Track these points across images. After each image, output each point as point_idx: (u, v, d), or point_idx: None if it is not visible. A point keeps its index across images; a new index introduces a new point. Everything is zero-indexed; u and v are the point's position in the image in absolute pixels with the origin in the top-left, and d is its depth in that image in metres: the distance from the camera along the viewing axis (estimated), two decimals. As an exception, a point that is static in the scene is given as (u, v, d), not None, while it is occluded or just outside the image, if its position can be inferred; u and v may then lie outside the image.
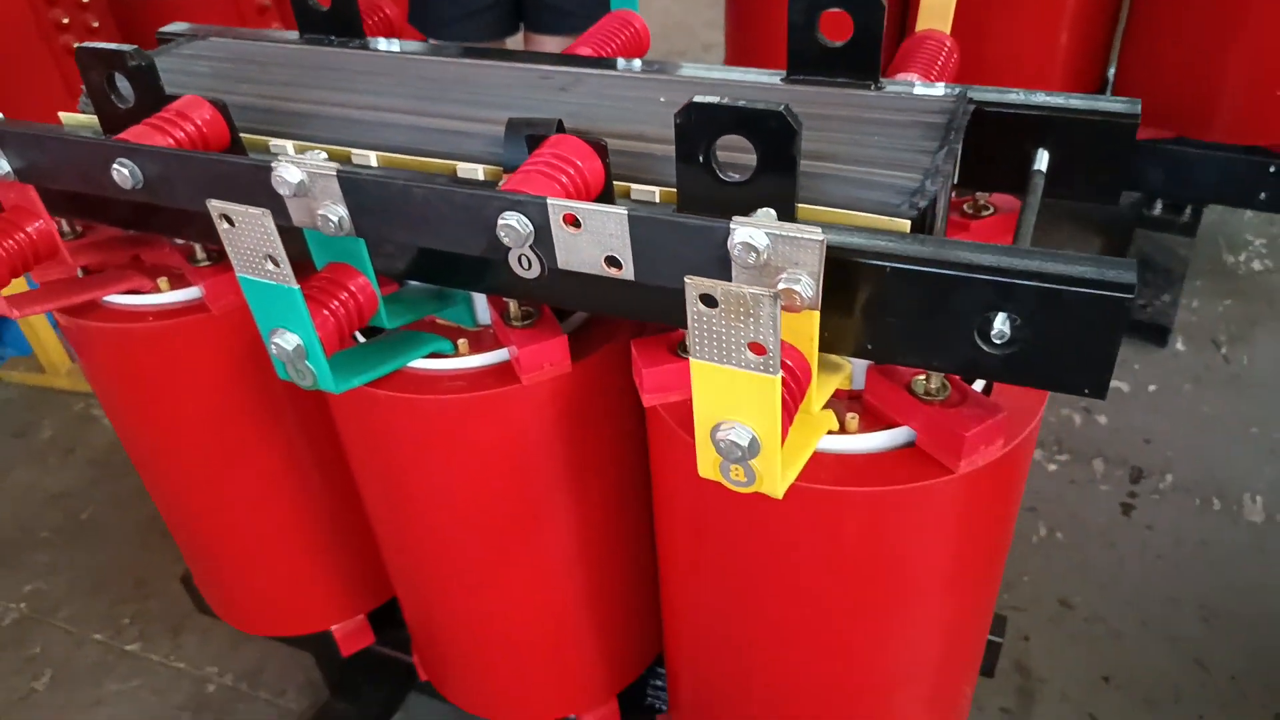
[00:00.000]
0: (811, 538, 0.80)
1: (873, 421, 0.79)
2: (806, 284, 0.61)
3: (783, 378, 0.65)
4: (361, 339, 0.96)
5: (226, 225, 0.70)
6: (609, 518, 1.04)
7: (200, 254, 1.04)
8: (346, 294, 0.79)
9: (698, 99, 0.69)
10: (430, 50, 1.10)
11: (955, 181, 0.96)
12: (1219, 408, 2.14)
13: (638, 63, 1.06)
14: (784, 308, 0.62)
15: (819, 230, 0.59)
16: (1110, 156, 0.89)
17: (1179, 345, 2.34)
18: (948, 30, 1.09)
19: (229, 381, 1.09)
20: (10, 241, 0.92)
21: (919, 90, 0.89)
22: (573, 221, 0.66)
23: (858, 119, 0.85)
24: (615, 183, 0.80)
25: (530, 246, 0.69)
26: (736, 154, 0.69)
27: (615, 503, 1.04)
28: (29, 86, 2.32)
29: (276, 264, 0.70)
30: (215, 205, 0.69)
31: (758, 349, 0.57)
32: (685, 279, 0.57)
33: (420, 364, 0.91)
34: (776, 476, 0.64)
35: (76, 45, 0.93)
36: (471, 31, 2.14)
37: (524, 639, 1.12)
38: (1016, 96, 0.90)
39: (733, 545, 0.87)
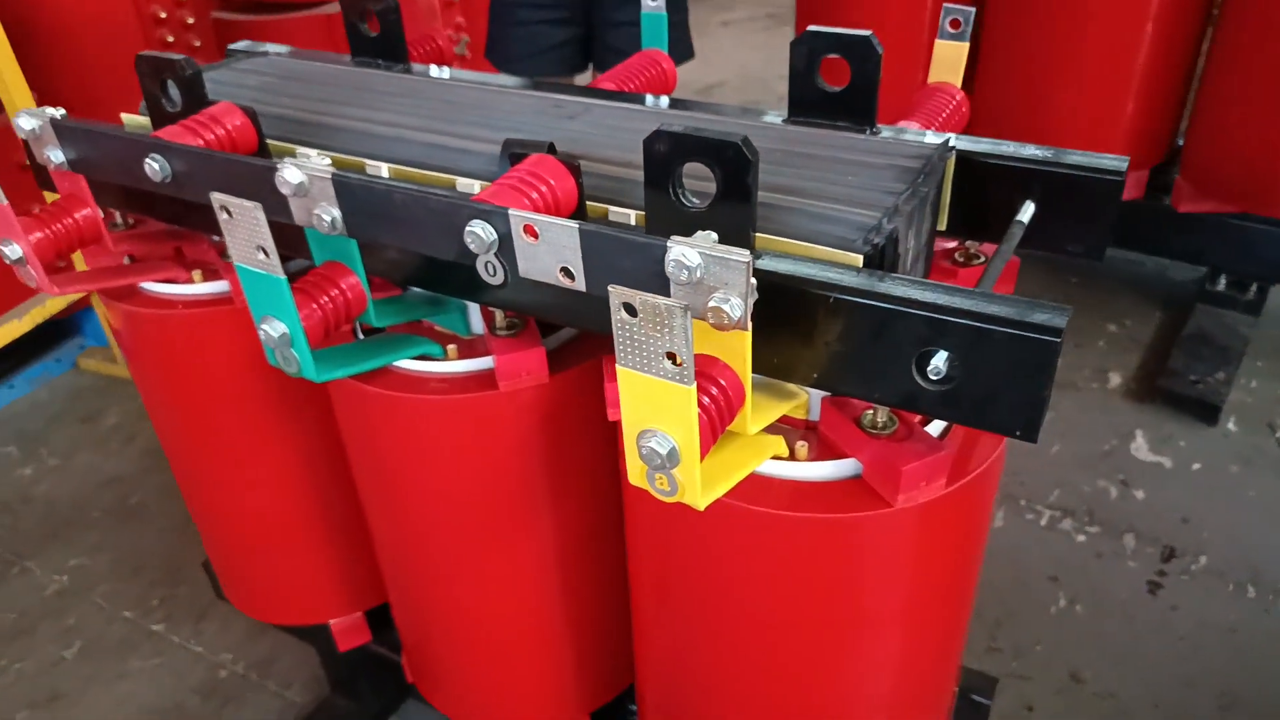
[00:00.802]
0: (753, 560, 0.82)
1: (824, 452, 0.81)
2: (735, 304, 0.64)
3: (712, 392, 0.68)
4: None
5: (226, 216, 0.76)
6: (584, 532, 1.07)
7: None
8: (336, 290, 0.85)
9: (663, 127, 0.73)
10: (458, 77, 1.17)
11: (943, 228, 0.98)
12: (1266, 493, 2.06)
13: (655, 98, 1.11)
14: (715, 326, 0.65)
15: (746, 253, 0.62)
16: (1094, 212, 0.90)
17: (1230, 425, 2.26)
18: (958, 83, 1.11)
19: (247, 372, 1.16)
20: (59, 225, 1.01)
21: (903, 136, 0.92)
22: (532, 232, 0.71)
23: (836, 159, 0.88)
24: (597, 204, 0.84)
25: (495, 254, 0.74)
26: (706, 183, 0.73)
27: (591, 517, 1.07)
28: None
29: (266, 254, 0.76)
30: (216, 197, 0.76)
31: (674, 359, 0.60)
32: (609, 287, 0.60)
33: (409, 364, 0.96)
34: (696, 488, 0.66)
35: (137, 54, 1.03)
36: (541, 67, 2.23)
37: (496, 644, 1.15)
38: (1006, 148, 0.92)
39: (685, 565, 0.89)
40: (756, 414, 0.75)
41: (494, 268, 0.75)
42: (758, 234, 0.77)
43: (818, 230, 0.77)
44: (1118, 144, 2.52)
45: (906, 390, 0.71)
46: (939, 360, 0.68)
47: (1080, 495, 2.08)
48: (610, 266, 0.69)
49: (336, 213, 0.81)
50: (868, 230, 0.76)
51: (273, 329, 0.82)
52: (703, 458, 0.66)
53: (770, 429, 0.82)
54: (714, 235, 0.68)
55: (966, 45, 1.09)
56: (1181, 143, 2.59)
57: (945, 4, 1.08)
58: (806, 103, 0.99)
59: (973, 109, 2.95)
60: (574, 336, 1.00)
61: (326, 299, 0.84)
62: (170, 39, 2.59)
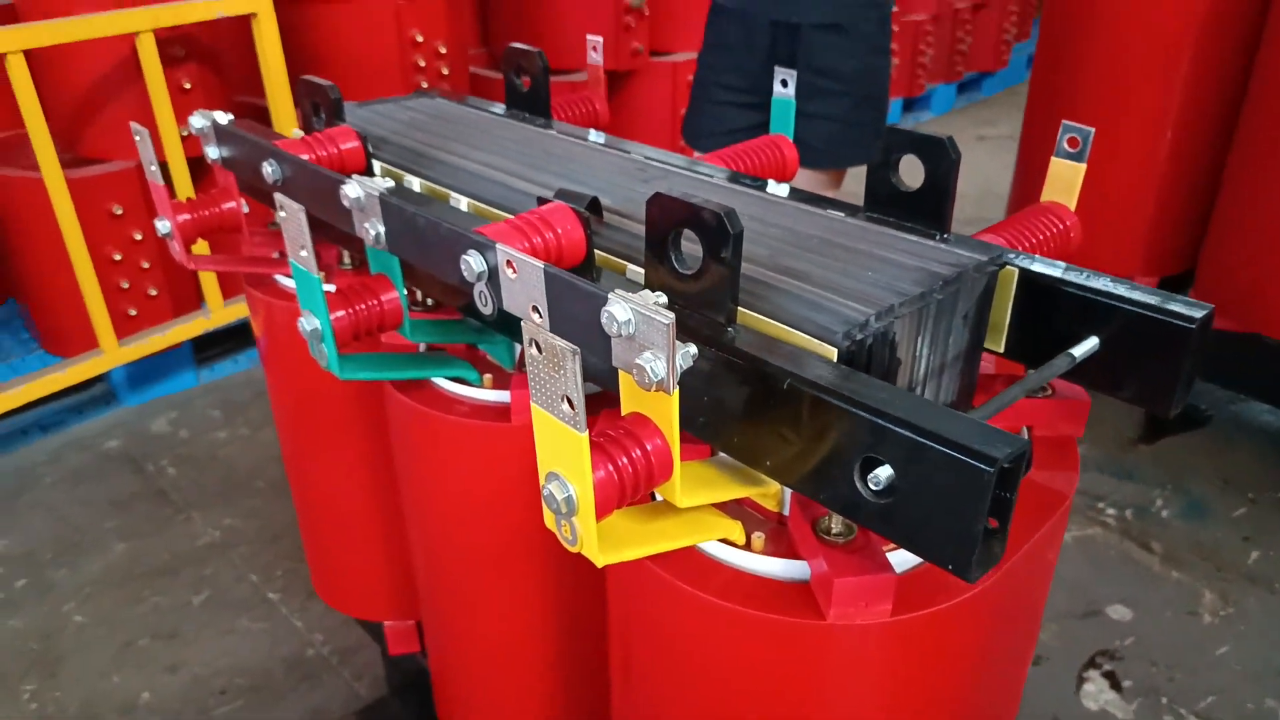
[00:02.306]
0: (690, 640, 0.78)
1: (783, 549, 0.77)
2: (658, 365, 0.63)
3: (633, 454, 0.67)
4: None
5: (282, 214, 0.86)
6: (589, 575, 1.06)
7: (347, 259, 1.25)
8: (374, 301, 0.93)
9: (660, 192, 0.74)
10: (568, 134, 1.24)
11: (1000, 350, 0.90)
12: None
13: (743, 178, 1.12)
14: (639, 384, 0.65)
15: (670, 314, 0.62)
16: (1161, 359, 0.80)
17: None
18: (1072, 205, 1.03)
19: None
20: (205, 211, 1.17)
21: (953, 245, 0.86)
22: (512, 267, 0.74)
23: (869, 254, 0.85)
24: (618, 260, 0.87)
25: (486, 284, 0.78)
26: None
27: (594, 570, 1.06)
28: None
29: (305, 253, 0.85)
30: (278, 197, 0.86)
31: (569, 402, 0.61)
32: (523, 322, 0.62)
33: (447, 385, 1.02)
34: (592, 542, 0.65)
35: (299, 78, 1.18)
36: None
37: (498, 678, 1.16)
38: (1073, 274, 0.85)
39: (639, 636, 0.86)
40: (699, 489, 0.73)
41: (485, 298, 0.79)
42: (744, 310, 0.76)
43: (804, 317, 0.74)
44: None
45: (849, 498, 0.66)
46: (882, 471, 0.64)
47: (1240, 710, 1.78)
48: (568, 311, 0.71)
49: (381, 228, 0.88)
50: (852, 324, 0.72)
51: (308, 322, 0.90)
52: (603, 514, 0.66)
53: (739, 515, 0.80)
54: (663, 298, 0.67)
55: (1083, 167, 1.01)
56: None
57: (1064, 121, 1.02)
58: (880, 199, 0.96)
59: (1202, 255, 2.58)
60: (597, 392, 1.02)
61: (362, 306, 0.92)
62: (421, 63, 2.91)
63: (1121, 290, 0.82)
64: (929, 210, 0.92)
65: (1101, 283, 0.83)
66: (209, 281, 2.70)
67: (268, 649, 1.96)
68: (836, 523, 0.73)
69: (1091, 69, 2.65)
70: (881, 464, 0.63)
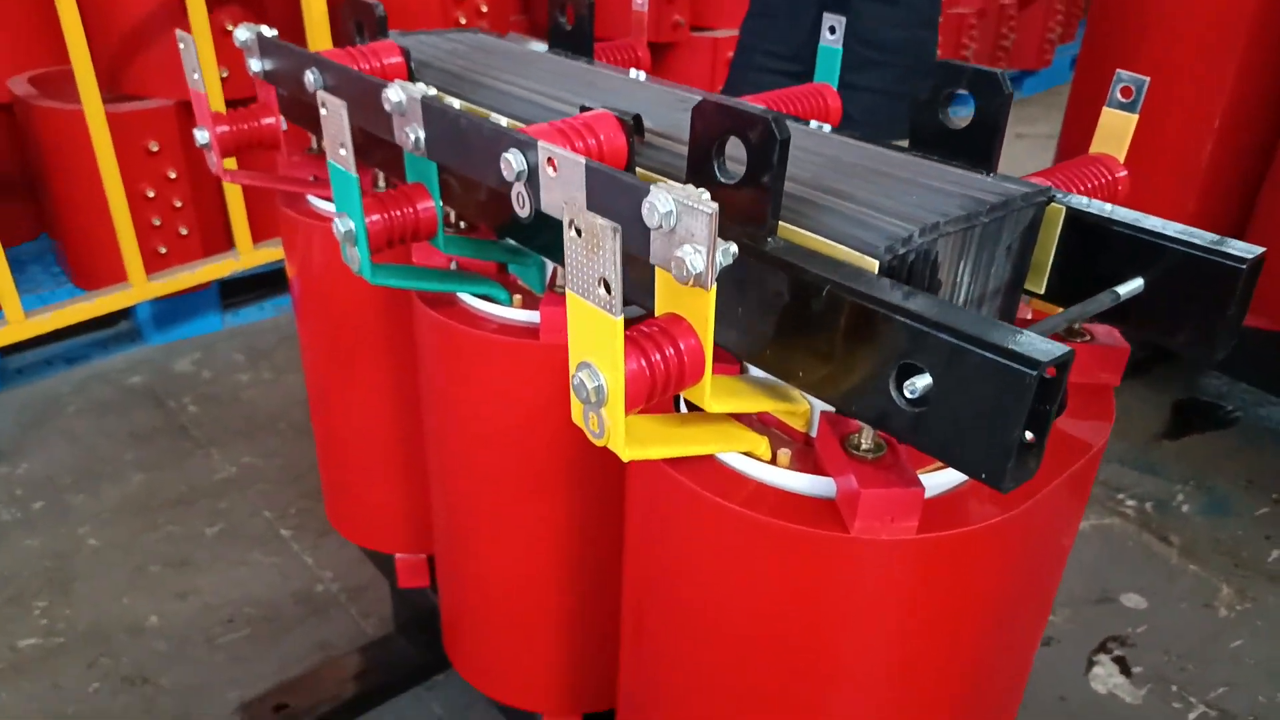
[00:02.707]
0: (706, 553, 0.78)
1: (809, 467, 0.76)
2: (697, 257, 0.62)
3: (666, 351, 0.66)
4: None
5: (324, 112, 0.86)
6: (606, 510, 1.06)
7: (382, 183, 1.24)
8: (410, 208, 0.92)
9: (706, 98, 0.73)
10: (612, 70, 1.23)
11: (1041, 292, 0.89)
12: None
13: (797, 118, 1.11)
14: (677, 279, 0.64)
15: (714, 204, 0.61)
16: (1208, 300, 0.79)
17: None
18: (1122, 157, 1.01)
19: (371, 298, 1.27)
20: (243, 125, 1.17)
21: (1000, 180, 0.85)
22: (553, 165, 0.73)
23: (913, 181, 0.83)
24: (654, 174, 0.86)
25: (525, 184, 0.77)
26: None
27: (614, 500, 1.05)
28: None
29: (345, 151, 0.85)
30: (320, 94, 0.85)
31: (606, 286, 0.60)
32: (564, 204, 0.61)
33: (475, 302, 1.02)
34: (620, 434, 0.65)
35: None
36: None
37: (502, 609, 1.16)
38: (1122, 214, 0.83)
39: (660, 557, 0.86)
40: (728, 397, 0.72)
41: (523, 199, 0.78)
42: (787, 225, 0.74)
43: (846, 232, 0.73)
44: None
45: (881, 407, 0.65)
46: (919, 379, 0.63)
47: (1251, 703, 1.75)
48: (608, 207, 0.70)
49: (421, 133, 0.88)
50: (894, 239, 0.71)
51: (342, 224, 0.90)
52: (632, 407, 0.65)
53: (765, 435, 0.79)
54: (706, 193, 0.66)
55: (1135, 117, 0.99)
56: None
57: (1118, 70, 1.00)
58: (927, 137, 0.94)
59: None
60: (640, 315, 1.01)
61: (397, 212, 0.91)
62: (462, 20, 2.90)
63: (1172, 231, 0.80)
64: (978, 149, 0.91)
65: (1152, 222, 0.82)
66: (239, 223, 2.71)
67: (278, 582, 1.97)
68: (866, 439, 0.72)
69: (1137, 70, 2.60)
70: (919, 371, 0.63)
